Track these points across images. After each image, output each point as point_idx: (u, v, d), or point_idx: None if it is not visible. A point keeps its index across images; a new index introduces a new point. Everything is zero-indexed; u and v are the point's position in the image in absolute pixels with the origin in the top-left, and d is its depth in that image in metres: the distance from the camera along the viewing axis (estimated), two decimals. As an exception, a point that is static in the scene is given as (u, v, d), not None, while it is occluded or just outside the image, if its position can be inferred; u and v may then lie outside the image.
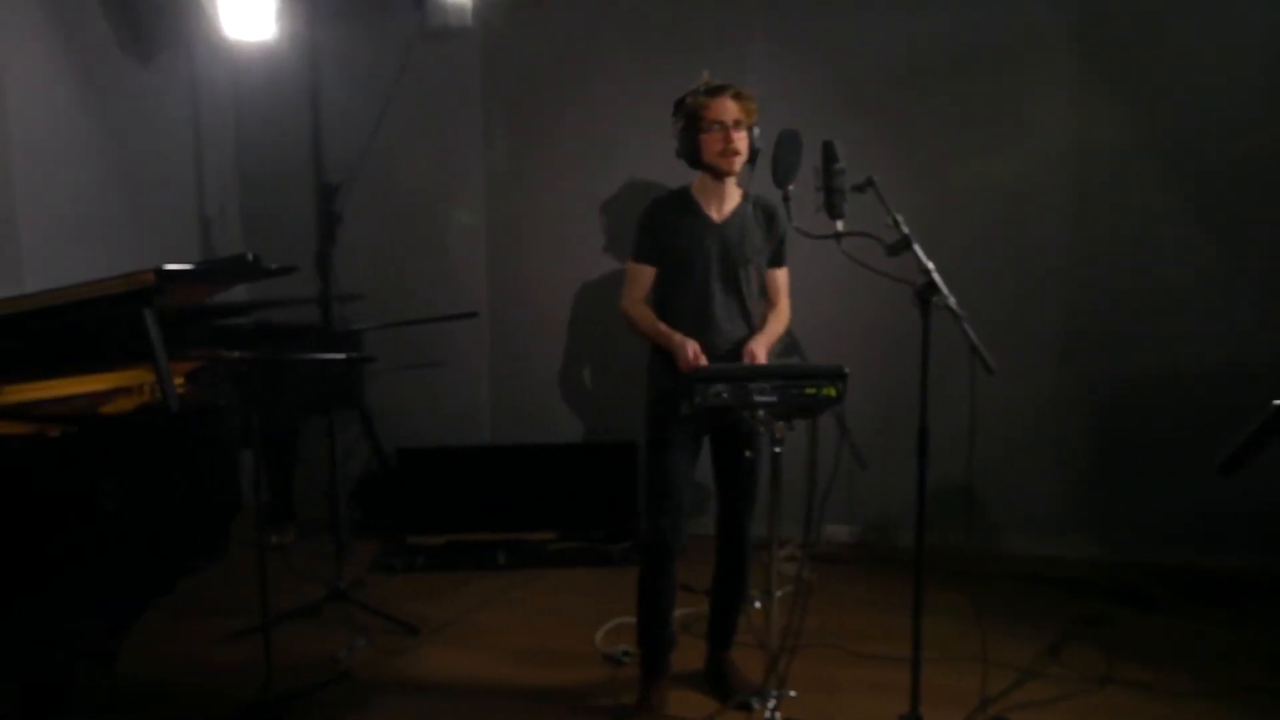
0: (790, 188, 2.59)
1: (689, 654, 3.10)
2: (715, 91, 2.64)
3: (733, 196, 2.77)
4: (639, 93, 4.29)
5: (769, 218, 2.79)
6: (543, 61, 4.45)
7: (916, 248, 2.43)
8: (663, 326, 2.71)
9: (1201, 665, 3.14)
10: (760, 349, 2.64)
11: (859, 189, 2.50)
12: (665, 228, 2.76)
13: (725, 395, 2.25)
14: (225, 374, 2.70)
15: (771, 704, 2.50)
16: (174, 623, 3.30)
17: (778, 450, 2.32)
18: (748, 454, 2.50)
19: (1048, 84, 4.07)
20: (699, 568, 3.10)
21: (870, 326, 4.09)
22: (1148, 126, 4.00)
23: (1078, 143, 4.06)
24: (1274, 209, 3.90)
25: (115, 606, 2.02)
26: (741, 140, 2.64)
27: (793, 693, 2.71)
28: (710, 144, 2.64)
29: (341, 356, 2.44)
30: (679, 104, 2.71)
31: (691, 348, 2.58)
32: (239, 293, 4.44)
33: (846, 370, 2.30)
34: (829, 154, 2.45)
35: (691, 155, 2.70)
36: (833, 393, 2.26)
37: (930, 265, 2.40)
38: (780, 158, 2.55)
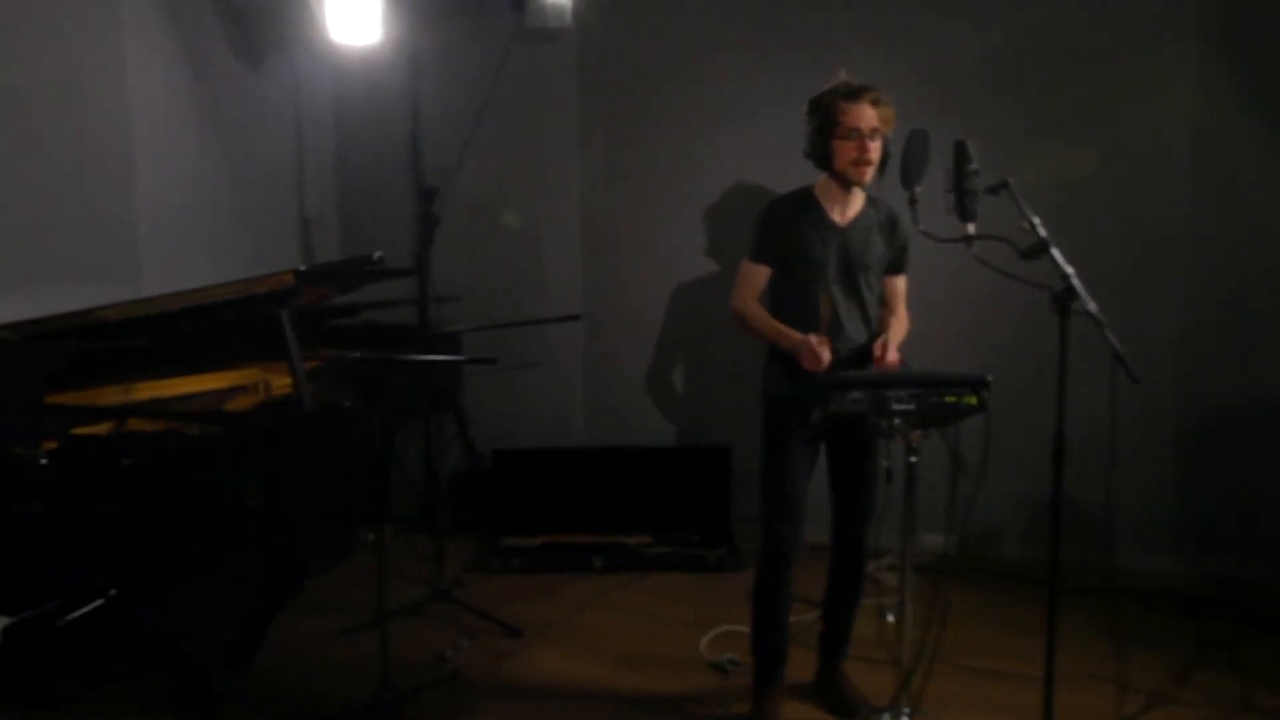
0: (917, 189, 2.52)
1: (796, 665, 3.05)
2: (853, 95, 2.55)
3: (857, 200, 2.71)
4: (738, 93, 4.26)
5: (891, 223, 2.72)
6: (640, 62, 4.43)
7: (1054, 251, 2.34)
8: (781, 325, 2.66)
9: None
10: (892, 353, 2.57)
11: (992, 191, 2.42)
12: (786, 229, 2.70)
13: (861, 402, 2.19)
14: (345, 375, 2.72)
15: (906, 723, 2.42)
16: (282, 618, 3.35)
17: (913, 460, 2.25)
18: (883, 464, 2.44)
19: (1163, 75, 3.90)
20: (802, 575, 3.03)
21: (970, 330, 3.98)
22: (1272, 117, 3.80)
23: (1194, 136, 3.88)
24: None
25: (261, 602, 2.05)
26: (876, 150, 2.56)
27: (925, 710, 2.61)
28: (844, 152, 2.56)
29: (465, 359, 2.45)
30: (814, 103, 2.63)
31: (814, 342, 2.50)
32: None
33: (989, 379, 2.22)
34: (962, 154, 2.37)
35: (821, 159, 2.63)
36: (974, 401, 2.19)
37: (1070, 270, 2.31)
38: (910, 158, 2.48)
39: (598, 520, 4.27)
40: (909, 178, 2.50)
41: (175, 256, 3.86)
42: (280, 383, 3.09)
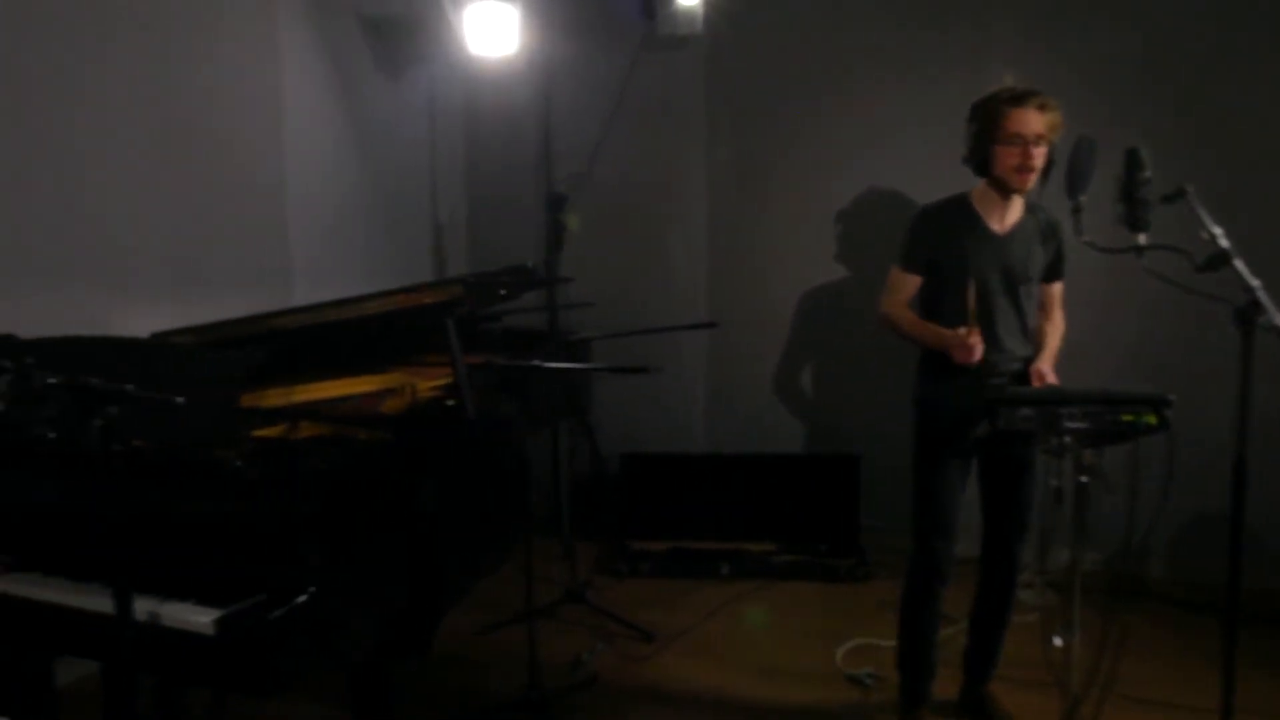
0: (1081, 198, 2.44)
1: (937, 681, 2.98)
2: (1018, 100, 2.48)
3: (1016, 208, 2.63)
4: (872, 97, 4.20)
5: (1051, 230, 2.64)
6: (769, 66, 4.40)
7: (1238, 263, 2.23)
8: (932, 325, 2.60)
9: None
10: (1048, 369, 2.50)
11: (1168, 199, 2.32)
12: (939, 238, 2.65)
13: (1032, 420, 2.13)
14: (497, 381, 2.78)
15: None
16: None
17: (1084, 480, 2.18)
18: (1053, 484, 2.37)
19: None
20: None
21: (1124, 343, 3.83)
22: None
23: None
24: None
25: (430, 603, 2.12)
26: (1040, 157, 2.48)
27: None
28: (1005, 158, 2.49)
29: (618, 368, 2.48)
30: (976, 107, 2.57)
31: (963, 333, 2.43)
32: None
33: (1172, 398, 2.14)
34: (1134, 162, 2.28)
35: (980, 165, 2.57)
36: (1153, 420, 2.11)
37: (1255, 283, 2.20)
38: (1076, 167, 2.40)
39: (723, 526, 4.27)
40: (1075, 186, 2.42)
41: (322, 262, 4.02)
42: (425, 386, 3.18)
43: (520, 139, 4.78)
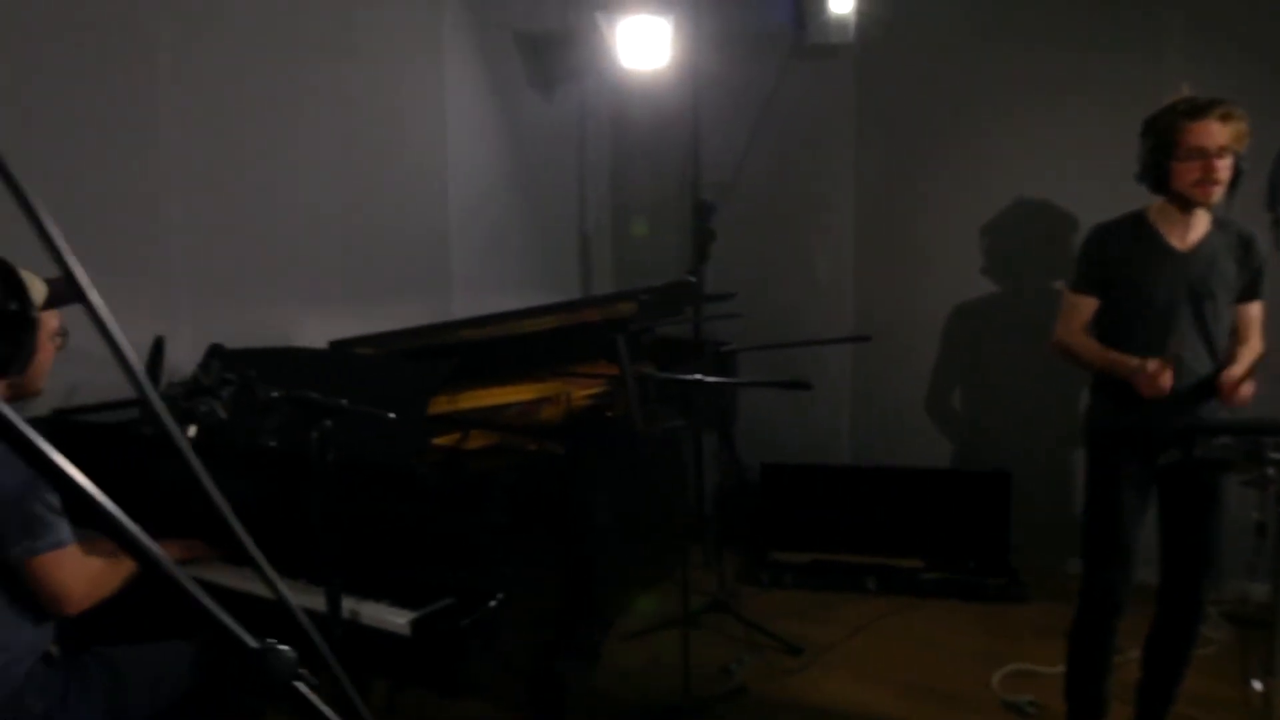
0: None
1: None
2: (1197, 113, 2.32)
3: (1200, 223, 2.49)
4: (1026, 106, 4.08)
5: (1245, 245, 2.48)
6: (921, 74, 4.33)
7: None
8: (1114, 354, 2.49)
9: None
10: (1245, 385, 2.35)
11: (1384, 214, 2.17)
12: (1116, 257, 2.54)
13: (1232, 449, 2.03)
14: (661, 394, 2.83)
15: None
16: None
17: (1287, 512, 2.06)
18: (1255, 517, 2.23)
19: None
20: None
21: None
22: None
23: None
24: None
25: (601, 613, 2.18)
26: (1225, 169, 2.32)
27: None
28: (1185, 173, 2.34)
29: (780, 382, 2.50)
30: (1150, 123, 2.44)
31: (1152, 367, 2.33)
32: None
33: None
34: (1345, 175, 2.14)
35: (1157, 182, 2.43)
36: (1369, 452, 1.97)
37: None
38: (1278, 178, 2.27)
39: (868, 540, 4.21)
40: (1277, 197, 2.28)
41: (479, 272, 4.18)
42: (580, 395, 3.26)
43: (666, 149, 4.84)
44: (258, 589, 2.09)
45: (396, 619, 1.88)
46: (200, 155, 3.04)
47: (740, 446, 4.61)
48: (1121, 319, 2.54)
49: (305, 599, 1.99)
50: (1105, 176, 3.82)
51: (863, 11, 4.21)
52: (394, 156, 3.78)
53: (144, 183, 2.91)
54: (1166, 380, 2.32)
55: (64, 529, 1.74)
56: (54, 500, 1.73)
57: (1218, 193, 2.38)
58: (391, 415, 1.75)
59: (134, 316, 2.52)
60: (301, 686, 0.68)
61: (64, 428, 2.48)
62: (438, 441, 2.53)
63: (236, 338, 2.59)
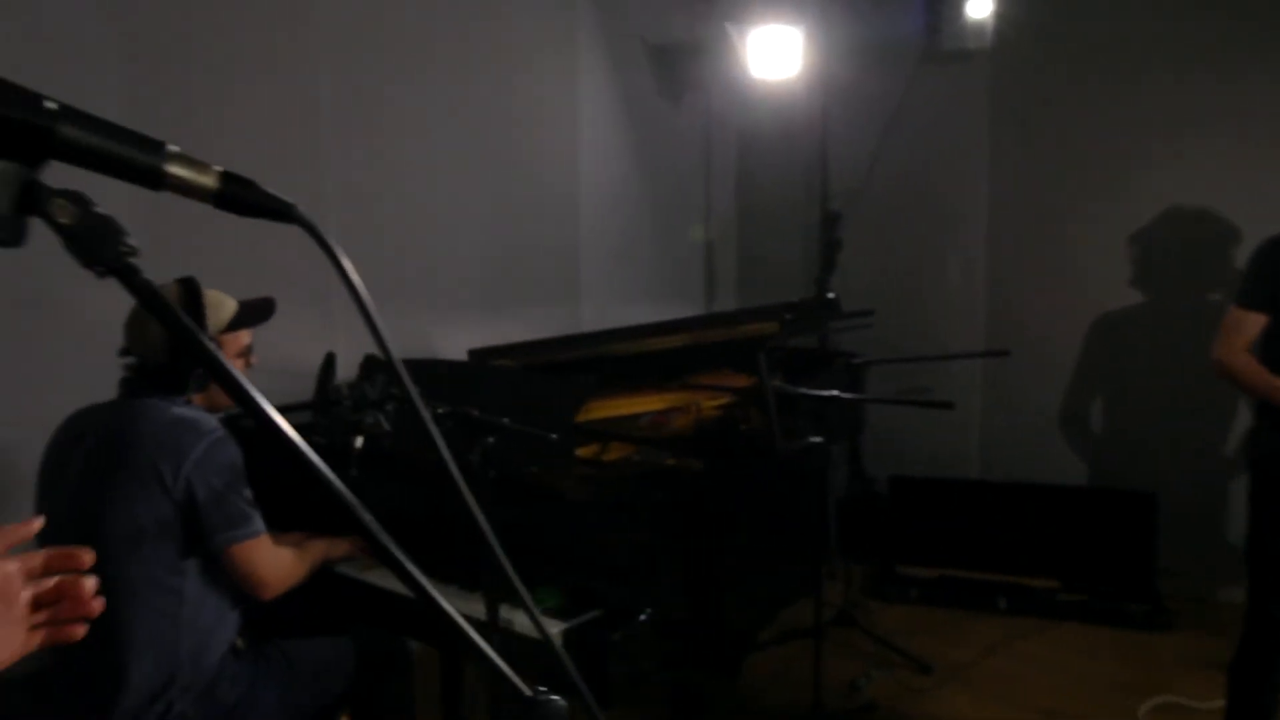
0: None
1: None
2: None
3: (1382, 236, 2.35)
4: (1176, 111, 3.89)
5: None
6: (1062, 77, 4.18)
7: None
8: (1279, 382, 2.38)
9: None
10: None
11: None
12: (1288, 273, 2.41)
13: None
14: (797, 408, 2.83)
15: None
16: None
17: None
18: None
19: None
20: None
21: None
22: None
23: None
24: None
25: (741, 628, 2.21)
26: None
27: None
28: None
29: (923, 400, 2.47)
30: None
31: None
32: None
33: None
34: None
35: None
36: None
37: None
38: None
39: (999, 558, 4.10)
40: None
41: (607, 280, 4.26)
42: (709, 405, 3.29)
43: (793, 158, 4.82)
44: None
45: (549, 628, 1.95)
46: (355, 171, 3.21)
47: (866, 457, 4.57)
48: (1290, 339, 2.42)
49: (458, 604, 2.09)
50: (1273, 186, 3.64)
51: (1001, 15, 4.10)
52: (529, 168, 3.89)
53: (304, 198, 3.07)
54: None
55: (259, 520, 1.88)
56: (249, 494, 1.87)
57: None
58: (554, 436, 1.82)
59: (294, 328, 2.67)
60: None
61: (235, 431, 2.65)
62: (579, 452, 2.60)
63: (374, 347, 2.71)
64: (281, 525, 2.15)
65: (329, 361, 2.42)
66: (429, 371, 2.47)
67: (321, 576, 2.19)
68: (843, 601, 3.78)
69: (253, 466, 1.97)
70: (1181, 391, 3.89)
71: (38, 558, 0.88)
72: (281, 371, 2.41)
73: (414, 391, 0.79)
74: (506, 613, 2.03)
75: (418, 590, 0.70)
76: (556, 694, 0.81)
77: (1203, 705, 2.95)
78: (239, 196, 0.68)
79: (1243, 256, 2.68)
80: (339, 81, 3.13)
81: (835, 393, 2.62)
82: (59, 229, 0.60)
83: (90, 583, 0.88)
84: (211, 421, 1.89)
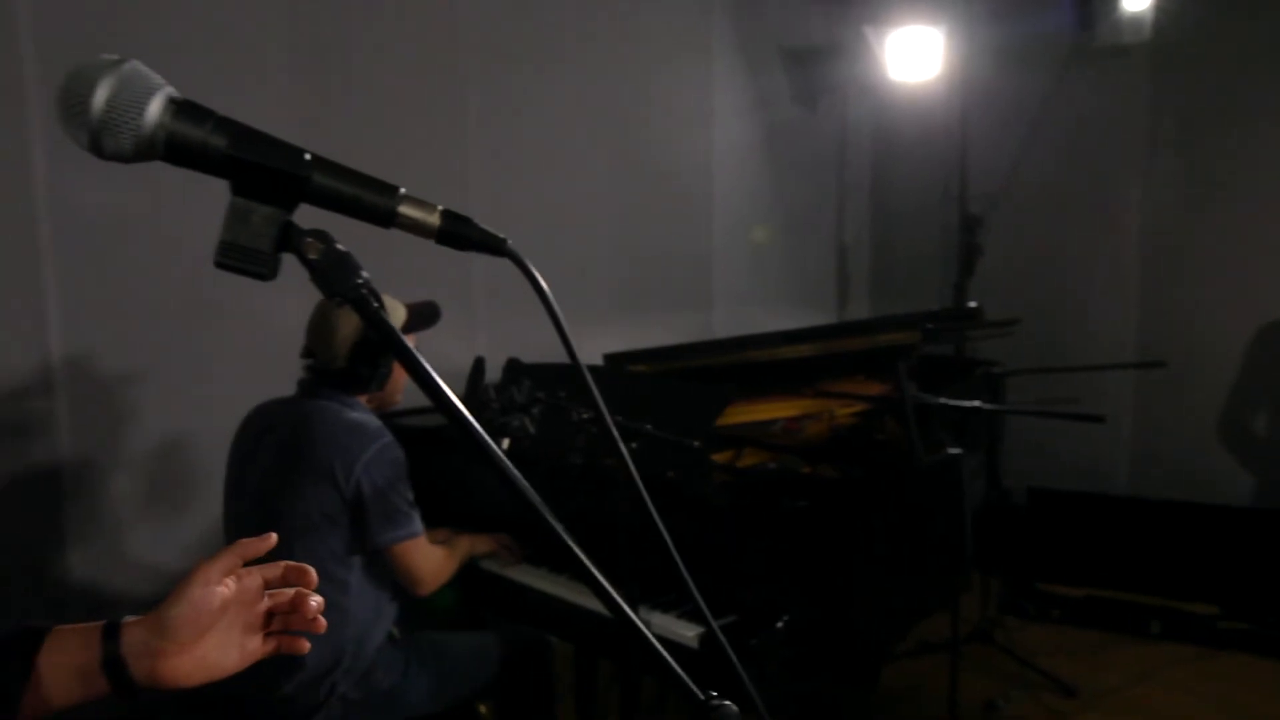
0: None
1: None
2: None
3: None
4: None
5: None
6: (1229, 70, 3.93)
7: None
8: None
9: None
10: None
11: None
12: None
13: None
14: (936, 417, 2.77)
15: None
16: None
17: None
18: None
19: None
20: None
21: None
22: None
23: None
24: None
25: (878, 640, 2.19)
26: None
27: None
28: None
29: (1079, 414, 2.39)
30: None
31: None
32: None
33: None
34: None
35: None
36: None
37: None
38: None
39: (1152, 579, 3.89)
40: None
41: (739, 285, 4.27)
42: (843, 412, 3.24)
43: (930, 161, 4.71)
44: (550, 588, 2.27)
45: (685, 631, 1.98)
46: (499, 178, 3.33)
47: (1003, 468, 4.40)
48: None
49: (598, 603, 2.15)
50: None
51: (1161, 8, 3.90)
52: (664, 173, 3.94)
53: (450, 203, 3.22)
54: None
55: (418, 521, 1.99)
56: (411, 496, 1.99)
57: None
58: (696, 443, 1.85)
59: (440, 327, 2.77)
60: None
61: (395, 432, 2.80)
62: (715, 458, 2.62)
63: (523, 350, 2.80)
64: (432, 520, 2.26)
65: (478, 365, 2.54)
66: (572, 376, 2.54)
67: (467, 572, 2.29)
68: (980, 618, 3.67)
69: (416, 465, 2.08)
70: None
71: (277, 569, 0.95)
72: (434, 369, 2.53)
73: (603, 406, 0.85)
74: (644, 614, 2.07)
75: (601, 593, 0.74)
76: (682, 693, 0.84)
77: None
78: (459, 233, 0.74)
79: None
80: (484, 90, 3.26)
81: (978, 404, 2.55)
82: (308, 264, 0.68)
83: (316, 601, 0.95)
84: (380, 425, 2.01)
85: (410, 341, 2.16)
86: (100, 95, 0.66)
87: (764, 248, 4.46)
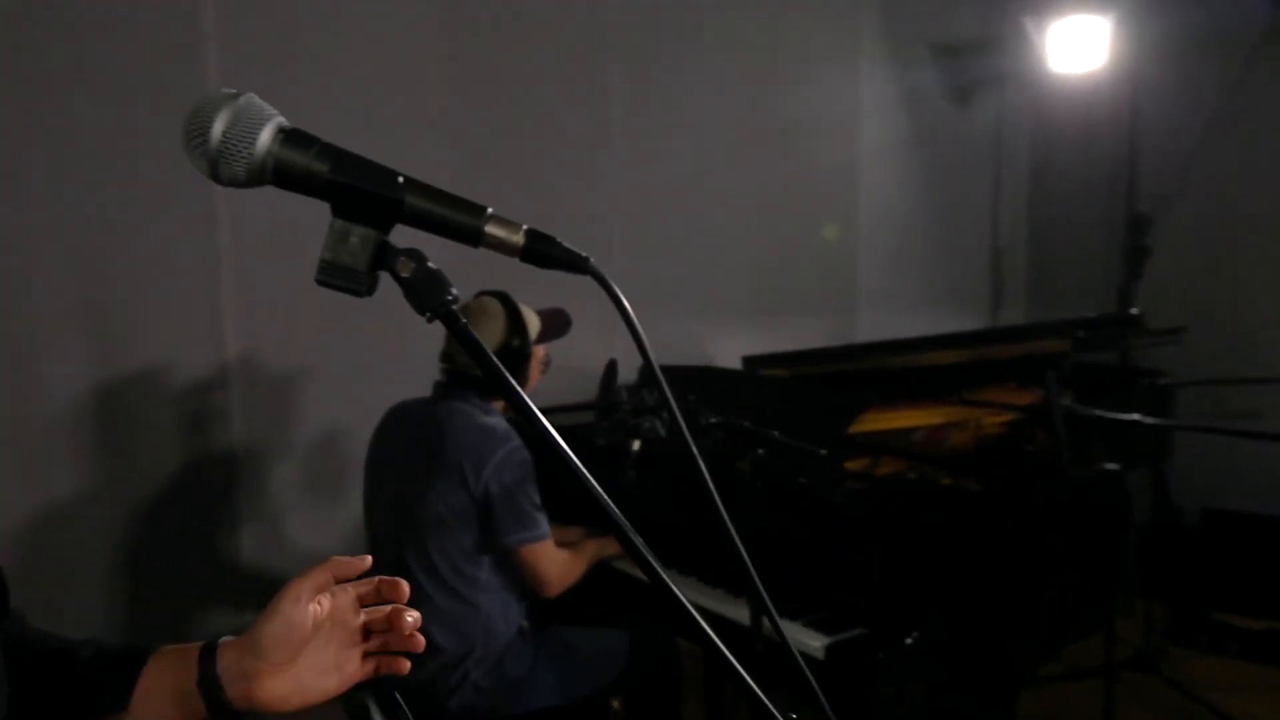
0: None
1: None
2: None
3: None
4: None
5: None
6: None
7: None
8: None
9: None
10: None
11: None
12: None
13: None
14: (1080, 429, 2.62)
15: None
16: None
17: None
18: None
19: None
20: None
21: None
22: None
23: None
24: None
25: (1018, 665, 2.09)
26: None
27: None
28: None
29: (1247, 431, 2.21)
30: None
31: None
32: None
33: None
34: None
35: None
36: None
37: None
38: None
39: (1343, 614, 3.54)
40: None
41: (885, 287, 4.16)
42: (990, 421, 3.10)
43: (1094, 158, 4.45)
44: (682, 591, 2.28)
45: (812, 641, 1.95)
46: (641, 180, 3.38)
47: (1174, 486, 4.10)
48: None
49: (723, 608, 2.15)
50: None
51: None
52: (807, 174, 3.89)
53: (595, 206, 3.28)
54: None
55: (544, 524, 2.05)
56: (538, 499, 2.05)
57: None
58: (824, 451, 1.83)
59: (577, 329, 2.82)
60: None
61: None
62: (850, 465, 2.57)
63: (661, 352, 2.83)
64: (564, 519, 2.32)
65: (611, 368, 2.58)
66: (704, 379, 2.55)
67: (599, 571, 2.34)
68: (1141, 644, 3.43)
69: (540, 466, 2.14)
70: None
71: (370, 585, 0.92)
72: (569, 369, 2.59)
73: (676, 408, 0.86)
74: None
75: (667, 597, 0.74)
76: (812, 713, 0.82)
77: None
78: (542, 252, 0.76)
79: None
80: (630, 103, 3.31)
81: (1136, 416, 2.39)
82: (401, 282, 0.72)
83: (412, 616, 0.91)
84: (509, 429, 2.08)
85: (544, 350, 2.23)
86: (218, 126, 0.70)
87: (913, 250, 4.32)
